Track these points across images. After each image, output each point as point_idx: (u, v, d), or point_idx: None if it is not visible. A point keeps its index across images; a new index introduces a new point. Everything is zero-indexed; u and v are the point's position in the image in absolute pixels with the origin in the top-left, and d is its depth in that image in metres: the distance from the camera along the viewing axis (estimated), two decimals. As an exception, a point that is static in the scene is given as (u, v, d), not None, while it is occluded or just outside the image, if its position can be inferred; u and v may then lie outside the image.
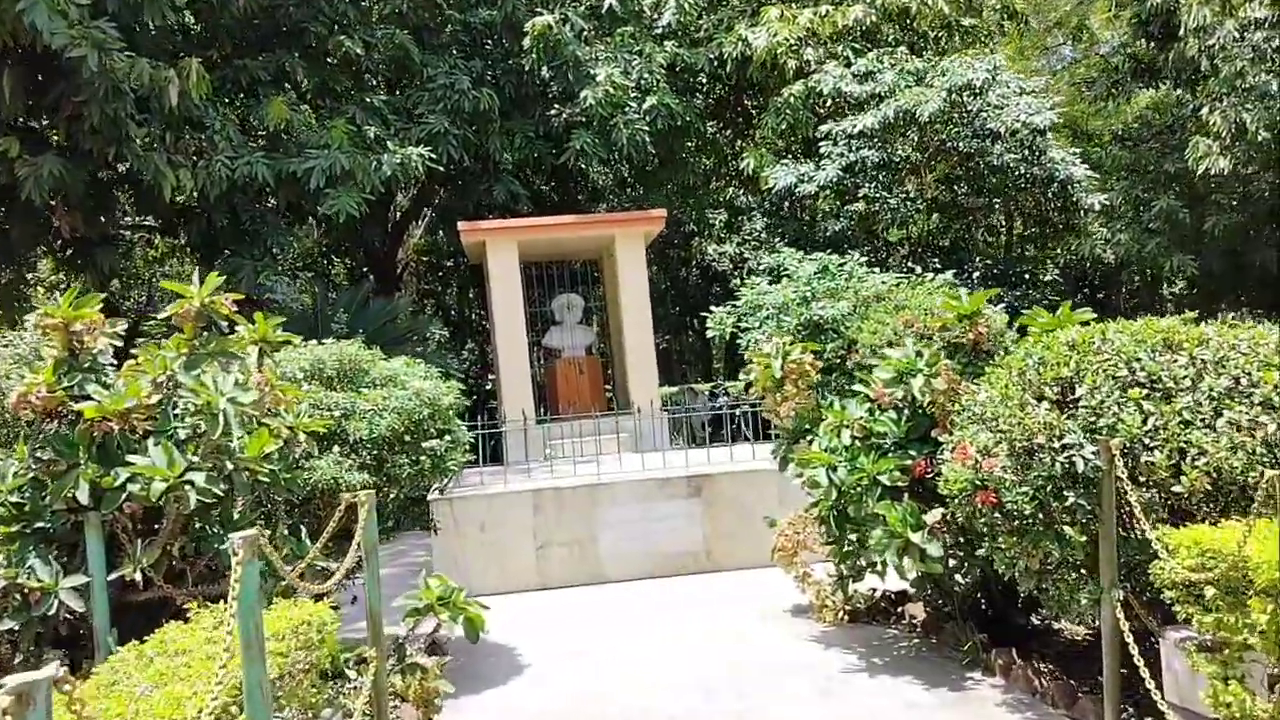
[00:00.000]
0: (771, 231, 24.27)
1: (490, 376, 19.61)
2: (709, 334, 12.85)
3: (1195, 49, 18.60)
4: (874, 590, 7.58)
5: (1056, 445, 5.14)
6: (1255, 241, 20.94)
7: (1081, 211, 14.85)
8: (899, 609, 7.40)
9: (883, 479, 6.18)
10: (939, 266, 13.14)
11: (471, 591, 8.90)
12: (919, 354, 6.37)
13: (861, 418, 6.56)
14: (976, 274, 14.34)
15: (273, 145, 15.13)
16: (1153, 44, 20.70)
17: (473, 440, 8.92)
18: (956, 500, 5.57)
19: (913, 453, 6.32)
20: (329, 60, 15.66)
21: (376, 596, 4.93)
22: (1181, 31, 18.52)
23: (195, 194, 14.61)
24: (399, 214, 20.76)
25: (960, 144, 14.12)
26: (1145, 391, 5.15)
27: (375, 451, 6.54)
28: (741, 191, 22.35)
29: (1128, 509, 5.23)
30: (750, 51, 15.12)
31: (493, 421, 10.21)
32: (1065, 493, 5.11)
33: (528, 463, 10.98)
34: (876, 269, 12.34)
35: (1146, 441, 5.04)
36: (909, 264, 15.22)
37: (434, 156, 14.94)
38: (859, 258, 12.08)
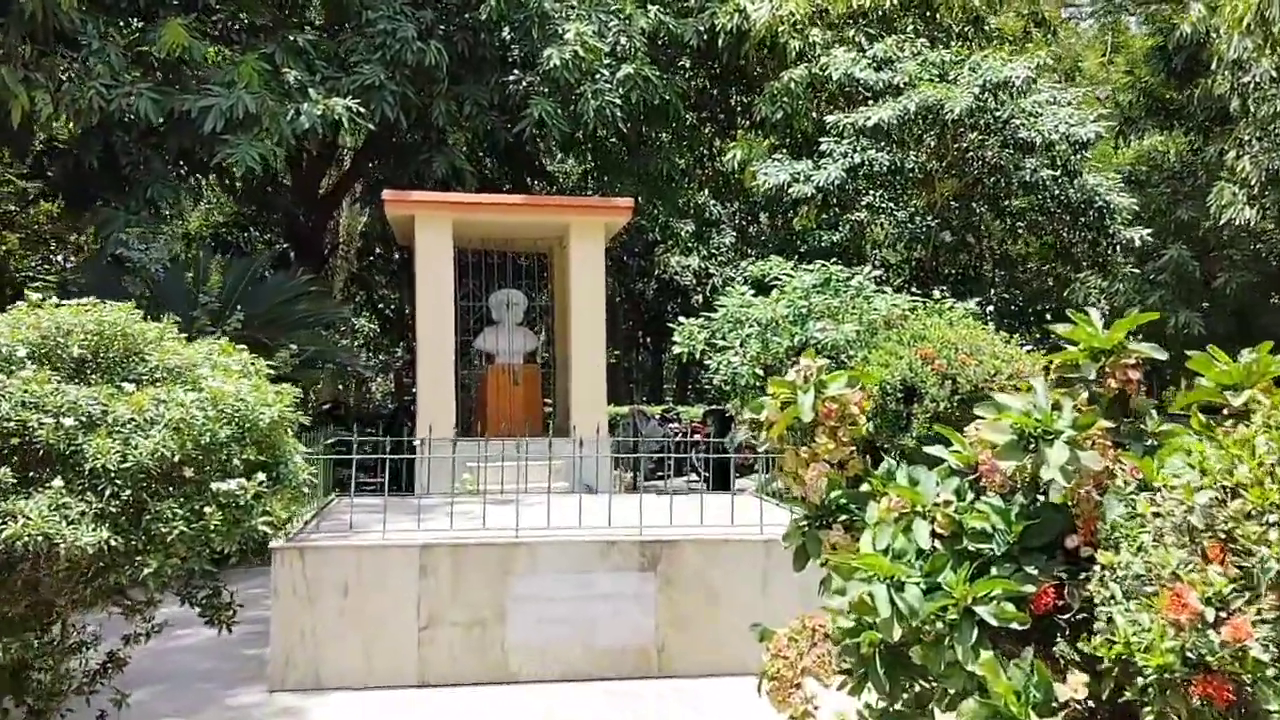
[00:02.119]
0: (746, 243, 21.76)
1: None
2: (676, 349, 10.20)
3: (1225, 86, 16.45)
4: (906, 747, 4.91)
5: (1394, 614, 2.54)
6: (1264, 305, 18.86)
7: (1116, 247, 12.47)
8: (948, 787, 4.73)
9: (983, 611, 3.53)
10: (947, 297, 10.55)
11: (321, 683, 6.12)
12: (1056, 407, 3.71)
13: (948, 502, 3.90)
14: (990, 309, 11.88)
15: (169, 81, 12.27)
16: (1174, 79, 18.61)
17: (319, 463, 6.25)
18: (1146, 683, 2.96)
19: (1032, 569, 3.68)
20: (249, -13, 12.83)
21: None
22: (1214, 65, 16.34)
23: (65, 127, 11.71)
24: (330, 186, 17.86)
25: (987, 153, 11.66)
26: None
27: (130, 493, 3.75)
28: (713, 201, 19.78)
29: None
30: (748, 25, 12.56)
31: (363, 436, 7.42)
32: (1406, 711, 2.51)
33: (426, 495, 8.19)
34: (887, 289, 9.80)
35: None
36: (910, 290, 12.76)
37: (364, 111, 12.16)
38: (869, 271, 9.52)
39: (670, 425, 19.33)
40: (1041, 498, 3.85)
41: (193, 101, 11.38)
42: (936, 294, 9.74)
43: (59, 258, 21.07)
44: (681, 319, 10.15)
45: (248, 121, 11.45)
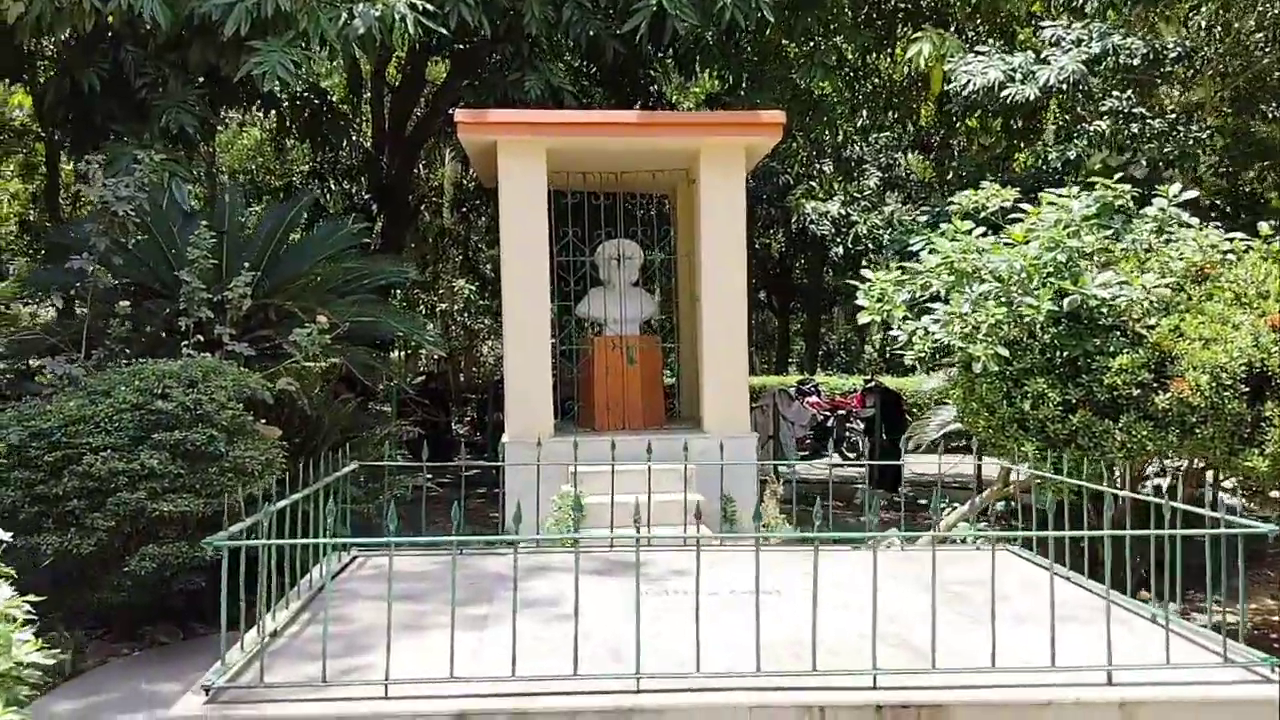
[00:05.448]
0: (892, 185, 18.08)
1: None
2: (863, 318, 6.91)
3: None
4: None
5: None
6: None
7: None
8: None
9: None
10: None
11: None
12: None
13: None
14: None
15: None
16: None
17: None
18: None
19: None
20: None
21: None
22: None
23: (47, 35, 9.01)
24: (414, 124, 14.93)
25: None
26: None
27: None
28: (857, 135, 16.13)
29: None
30: None
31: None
32: None
33: (496, 547, 5.15)
34: (1193, 221, 6.26)
35: None
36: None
37: (434, 9, 9.14)
38: (1179, 192, 6.03)
39: (808, 400, 15.98)
40: None
41: (211, 1, 8.53)
42: (1264, 228, 6.17)
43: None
44: (867, 273, 6.83)
45: (280, 23, 8.55)
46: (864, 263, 18.05)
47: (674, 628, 3.68)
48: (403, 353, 19.70)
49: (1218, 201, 9.12)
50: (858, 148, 17.21)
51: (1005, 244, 6.15)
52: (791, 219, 18.97)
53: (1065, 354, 5.76)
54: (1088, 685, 3.23)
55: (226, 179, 16.09)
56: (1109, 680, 3.24)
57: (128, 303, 6.75)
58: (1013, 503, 8.63)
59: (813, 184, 16.43)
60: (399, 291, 17.65)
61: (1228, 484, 6.53)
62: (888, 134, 16.76)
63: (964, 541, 5.86)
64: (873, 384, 14.68)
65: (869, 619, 3.72)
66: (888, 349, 25.93)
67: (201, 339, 6.69)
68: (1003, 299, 5.89)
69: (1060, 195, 6.19)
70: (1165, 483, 6.39)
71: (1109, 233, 5.91)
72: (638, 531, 3.30)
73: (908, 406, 15.05)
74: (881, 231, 16.10)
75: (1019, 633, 3.68)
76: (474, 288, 19.66)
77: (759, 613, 3.31)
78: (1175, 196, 5.85)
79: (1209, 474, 7.45)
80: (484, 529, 9.77)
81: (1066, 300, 5.65)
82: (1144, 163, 8.39)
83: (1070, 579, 4.23)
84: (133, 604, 5.96)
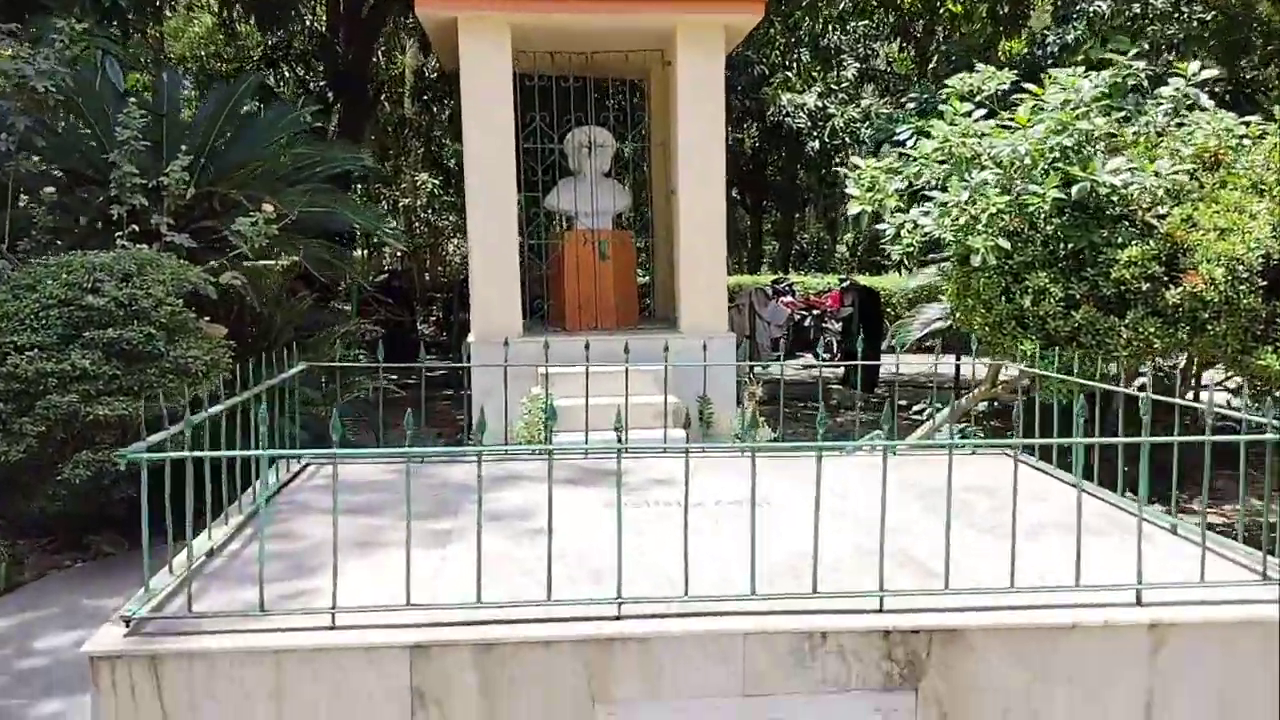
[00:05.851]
0: (869, 76, 17.47)
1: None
2: (853, 209, 6.46)
3: None
4: None
5: None
6: None
7: None
8: None
9: None
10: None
11: None
12: None
13: None
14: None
15: None
16: None
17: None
18: None
19: None
20: None
21: None
22: None
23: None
24: (371, 3, 14.00)
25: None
26: None
27: None
28: (834, 29, 15.39)
29: None
30: None
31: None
32: None
33: (461, 455, 4.73)
34: (1207, 104, 5.82)
35: None
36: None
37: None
38: (1195, 70, 5.58)
39: (783, 300, 15.59)
40: None
41: None
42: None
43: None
44: (857, 160, 6.36)
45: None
46: (838, 159, 17.50)
47: (657, 543, 3.32)
48: (365, 250, 19.00)
49: (1216, 89, 8.66)
50: (836, 36, 16.50)
51: (1006, 127, 5.68)
52: (766, 112, 18.30)
53: (1069, 246, 5.36)
54: (1116, 605, 2.91)
55: (174, 65, 15.08)
56: (1138, 600, 2.92)
57: (53, 190, 6.14)
58: (998, 404, 8.37)
59: (789, 75, 15.74)
60: (359, 186, 16.90)
61: (1229, 384, 6.25)
62: (867, 22, 16.05)
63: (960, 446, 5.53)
64: (848, 283, 14.30)
65: (865, 531, 3.40)
66: (860, 247, 25.55)
67: (137, 229, 6.11)
68: (1003, 185, 5.46)
69: (1068, 75, 5.70)
70: (1149, 382, 6.10)
71: (1121, 114, 5.46)
72: (620, 439, 2.90)
73: (883, 306, 14.72)
74: (859, 125, 15.51)
75: (1031, 546, 3.36)
76: (438, 182, 18.88)
77: (754, 528, 2.94)
78: (1193, 75, 5.39)
79: (1203, 375, 7.20)
80: (450, 431, 9.39)
81: (1075, 188, 5.22)
82: (1147, 45, 7.87)
83: (1081, 486, 3.93)
84: (70, 513, 5.55)
